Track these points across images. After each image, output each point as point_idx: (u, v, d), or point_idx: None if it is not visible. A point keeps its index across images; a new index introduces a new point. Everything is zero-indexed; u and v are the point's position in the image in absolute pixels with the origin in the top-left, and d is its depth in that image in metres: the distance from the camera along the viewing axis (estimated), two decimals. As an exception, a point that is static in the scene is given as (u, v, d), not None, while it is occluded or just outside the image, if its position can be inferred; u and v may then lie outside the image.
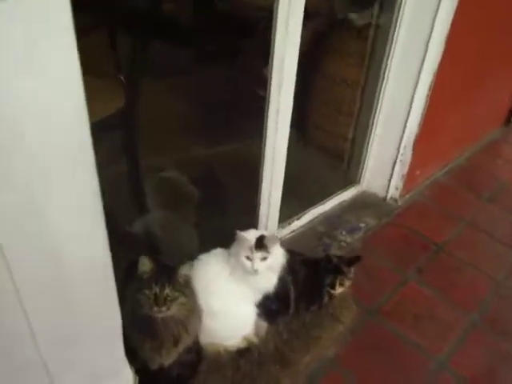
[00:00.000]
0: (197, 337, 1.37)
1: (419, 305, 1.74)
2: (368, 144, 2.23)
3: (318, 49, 2.38)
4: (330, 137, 2.50)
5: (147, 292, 1.14)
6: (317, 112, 2.53)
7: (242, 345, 1.46)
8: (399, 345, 1.58)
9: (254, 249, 1.32)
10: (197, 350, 1.38)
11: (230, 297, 1.39)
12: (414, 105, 2.03)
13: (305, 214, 2.06)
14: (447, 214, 2.30)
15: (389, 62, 2.03)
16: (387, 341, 1.59)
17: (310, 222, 2.08)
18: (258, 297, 1.44)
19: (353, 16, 2.23)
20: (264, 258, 1.34)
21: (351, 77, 2.28)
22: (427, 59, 1.93)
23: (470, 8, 1.93)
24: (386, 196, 2.29)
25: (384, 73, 2.06)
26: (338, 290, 1.57)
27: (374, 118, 2.16)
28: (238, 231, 1.35)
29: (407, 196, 2.34)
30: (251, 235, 1.35)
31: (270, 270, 1.39)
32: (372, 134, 2.19)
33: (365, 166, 2.28)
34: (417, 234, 2.12)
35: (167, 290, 1.14)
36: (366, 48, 2.17)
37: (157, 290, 1.13)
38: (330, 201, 2.18)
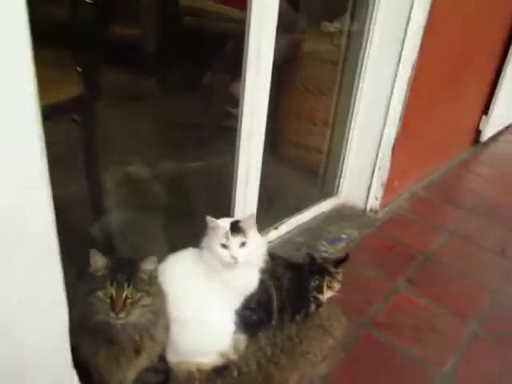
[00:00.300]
0: (164, 352, 1.13)
1: (415, 315, 1.56)
2: (345, 154, 2.12)
3: (290, 58, 2.31)
4: (303, 150, 2.38)
5: (101, 294, 0.91)
6: (288, 125, 2.43)
7: (219, 362, 1.22)
8: (398, 358, 1.38)
9: (229, 234, 1.12)
10: (165, 370, 1.13)
11: (204, 301, 1.16)
12: (390, 111, 1.96)
13: (282, 223, 1.88)
14: (429, 224, 2.19)
15: (363, 69, 1.98)
16: (384, 355, 1.39)
17: (288, 232, 1.90)
18: (237, 301, 1.22)
19: (325, 24, 2.19)
20: (243, 244, 1.14)
21: (325, 85, 2.20)
22: (401, 66, 1.88)
23: (444, 12, 1.92)
24: (365, 207, 2.16)
25: (359, 80, 1.99)
26: (327, 293, 1.38)
27: (350, 126, 2.07)
28: (208, 217, 1.14)
29: (387, 208, 2.22)
30: (223, 221, 1.16)
31: (249, 264, 1.18)
32: (349, 143, 2.10)
33: (342, 176, 2.16)
34: (402, 245, 1.97)
35: (126, 291, 0.91)
36: (340, 55, 2.11)
37: (113, 291, 0.91)
38: (308, 212, 2.03)
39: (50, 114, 1.16)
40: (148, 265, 0.96)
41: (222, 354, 1.23)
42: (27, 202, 0.69)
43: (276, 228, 1.85)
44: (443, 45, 2.11)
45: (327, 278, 1.36)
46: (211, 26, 2.64)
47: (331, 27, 2.17)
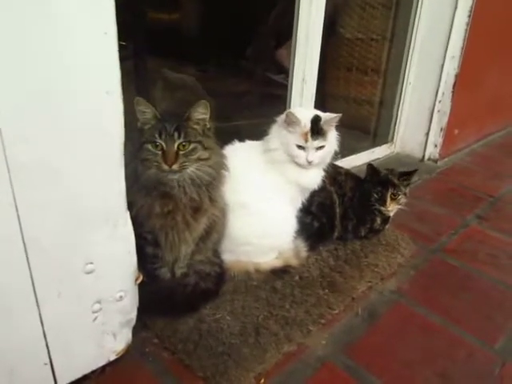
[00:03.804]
0: (220, 246, 1.03)
1: (490, 245, 1.40)
2: (399, 99, 1.99)
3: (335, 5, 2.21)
4: (354, 103, 2.26)
5: (150, 147, 0.82)
6: (336, 77, 2.31)
7: (278, 264, 1.10)
8: (475, 280, 1.22)
9: (309, 136, 1.01)
10: (220, 263, 1.03)
11: (265, 191, 1.05)
12: (450, 42, 1.82)
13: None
14: (494, 173, 2.00)
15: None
16: (459, 275, 1.24)
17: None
18: (299, 198, 1.11)
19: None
20: (320, 147, 1.03)
21: (376, 31, 2.09)
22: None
23: None
24: (423, 156, 2.01)
25: (415, 13, 1.87)
26: (391, 206, 1.24)
27: (405, 67, 1.95)
28: (289, 111, 1.02)
29: (447, 159, 2.06)
30: (304, 115, 1.03)
31: (320, 164, 1.07)
32: (404, 86, 1.96)
33: (397, 122, 2.02)
34: (467, 188, 1.81)
35: (178, 142, 0.81)
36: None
37: (162, 142, 0.81)
38: (361, 155, 1.89)
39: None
40: (199, 113, 0.84)
41: (282, 256, 1.11)
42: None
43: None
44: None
45: (391, 190, 1.22)
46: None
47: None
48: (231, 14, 2.65)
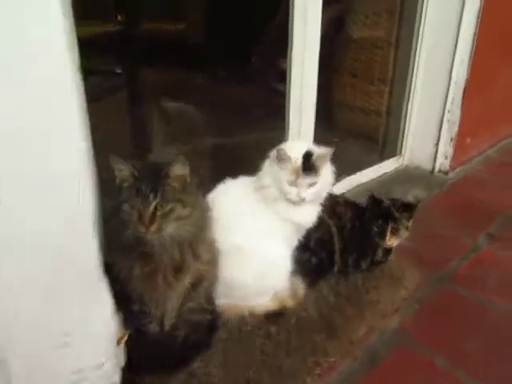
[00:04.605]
0: (212, 292, 0.99)
1: (500, 269, 1.33)
2: (407, 109, 1.91)
3: (339, 13, 2.15)
4: (360, 113, 2.19)
5: (127, 208, 0.77)
6: (342, 86, 2.24)
7: (273, 307, 1.07)
8: (487, 314, 1.16)
9: (300, 172, 0.97)
10: (212, 310, 1.00)
11: (258, 232, 1.01)
12: (458, 48, 1.74)
13: (340, 181, 1.70)
14: (509, 183, 1.92)
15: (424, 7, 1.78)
16: (469, 309, 1.18)
17: (348, 192, 1.71)
18: (295, 236, 1.06)
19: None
20: (312, 184, 0.99)
21: (381, 38, 2.02)
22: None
23: None
24: (433, 168, 1.94)
25: (420, 20, 1.79)
26: (390, 240, 1.18)
27: (412, 76, 1.87)
28: (280, 146, 0.98)
29: (458, 169, 1.98)
30: (295, 151, 0.98)
31: (313, 200, 1.02)
32: (411, 95, 1.89)
33: (405, 134, 1.95)
34: (479, 203, 1.73)
35: (154, 203, 0.77)
36: (395, 4, 1.92)
37: (139, 203, 0.77)
38: (369, 171, 1.83)
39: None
40: (178, 170, 0.80)
41: (278, 298, 1.08)
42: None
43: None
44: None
45: (391, 224, 1.17)
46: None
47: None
48: (235, 23, 2.61)
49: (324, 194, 1.05)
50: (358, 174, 1.78)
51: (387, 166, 1.92)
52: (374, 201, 1.21)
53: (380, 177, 1.89)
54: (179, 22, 2.75)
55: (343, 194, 1.68)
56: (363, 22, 2.09)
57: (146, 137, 1.28)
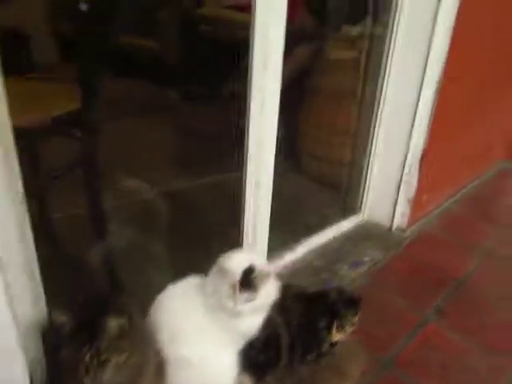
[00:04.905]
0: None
1: (445, 352, 1.39)
2: (368, 166, 1.96)
3: (308, 66, 2.17)
4: (323, 162, 2.23)
5: (63, 355, 0.79)
6: (307, 135, 2.28)
7: (219, 410, 1.09)
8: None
9: (238, 287, 0.97)
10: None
11: (205, 341, 1.03)
12: (417, 118, 1.78)
13: (298, 245, 1.73)
14: (463, 244, 1.99)
15: (386, 74, 1.82)
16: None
17: (305, 255, 1.75)
18: (240, 342, 1.09)
19: (347, 28, 2.05)
20: (250, 300, 1.00)
21: (346, 92, 2.05)
22: (430, 66, 1.70)
23: (473, 15, 1.75)
24: (391, 225, 1.99)
25: (382, 83, 1.83)
26: (336, 336, 1.22)
27: (373, 136, 1.91)
28: (221, 258, 1.01)
29: (415, 226, 2.04)
30: (236, 264, 0.99)
31: (255, 311, 1.04)
32: (372, 154, 1.93)
33: (365, 191, 2.00)
34: (431, 268, 1.79)
35: (89, 353, 0.78)
36: (361, 59, 1.96)
37: (73, 353, 0.79)
38: (327, 231, 1.87)
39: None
40: (116, 319, 0.81)
41: (224, 401, 1.10)
42: None
43: (292, 249, 1.70)
44: (476, 48, 1.93)
45: (337, 322, 1.20)
46: (231, 35, 2.54)
47: (353, 31, 2.02)
48: (208, 52, 2.61)
49: (267, 305, 1.06)
50: (320, 234, 1.82)
51: (348, 224, 1.97)
52: (323, 295, 1.24)
53: (341, 234, 1.93)
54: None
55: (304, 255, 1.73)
56: (328, 74, 2.12)
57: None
